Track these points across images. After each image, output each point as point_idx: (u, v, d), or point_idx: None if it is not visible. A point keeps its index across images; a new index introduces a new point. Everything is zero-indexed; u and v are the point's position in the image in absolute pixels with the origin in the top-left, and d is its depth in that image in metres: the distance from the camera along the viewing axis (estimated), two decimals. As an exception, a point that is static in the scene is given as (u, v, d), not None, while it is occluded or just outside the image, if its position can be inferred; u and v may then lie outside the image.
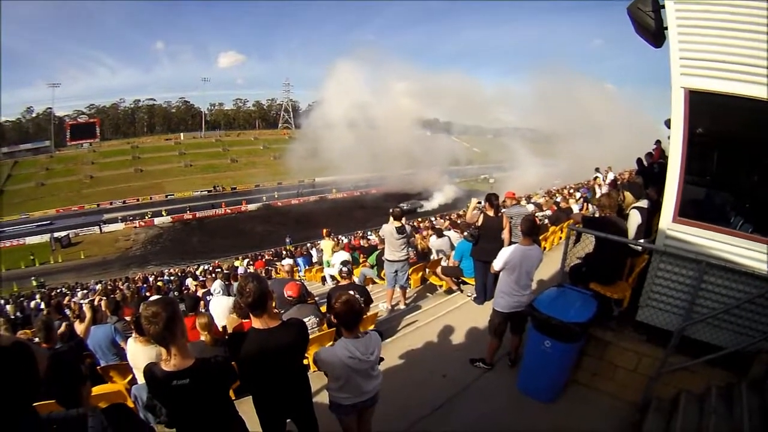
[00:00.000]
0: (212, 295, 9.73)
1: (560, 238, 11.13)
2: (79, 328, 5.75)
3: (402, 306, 8.45)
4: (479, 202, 7.74)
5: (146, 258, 45.27)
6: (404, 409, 4.71)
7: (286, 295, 5.58)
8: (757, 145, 4.53)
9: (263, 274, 14.99)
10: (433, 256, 10.39)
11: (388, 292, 8.34)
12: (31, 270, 40.91)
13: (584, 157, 44.60)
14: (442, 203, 58.78)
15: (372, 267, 11.57)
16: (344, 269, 6.77)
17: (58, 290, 25.74)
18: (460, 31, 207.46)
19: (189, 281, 20.13)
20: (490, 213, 7.16)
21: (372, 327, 6.38)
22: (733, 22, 3.66)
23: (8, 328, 6.98)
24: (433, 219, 28.84)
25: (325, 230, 13.66)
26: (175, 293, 16.90)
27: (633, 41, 5.04)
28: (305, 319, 4.44)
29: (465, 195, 54.46)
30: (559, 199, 15.70)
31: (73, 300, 17.02)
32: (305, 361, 3.65)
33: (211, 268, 25.94)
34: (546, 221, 11.62)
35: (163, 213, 57.72)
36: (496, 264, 5.12)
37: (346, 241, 25.20)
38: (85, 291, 22.43)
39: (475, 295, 7.71)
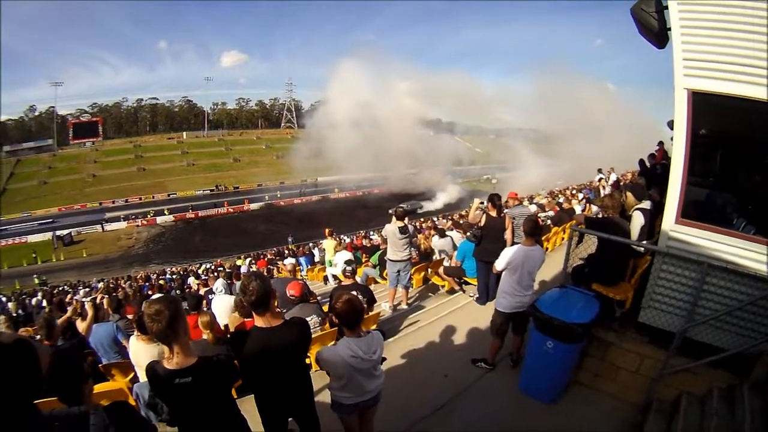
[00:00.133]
0: (214, 293, 9.75)
1: (563, 238, 11.12)
2: (81, 326, 5.74)
3: (404, 306, 8.44)
4: (482, 203, 7.74)
5: (148, 257, 45.41)
6: (406, 408, 4.71)
7: (288, 295, 5.58)
8: (760, 147, 4.52)
9: (265, 274, 15.01)
10: (436, 256, 10.40)
11: (390, 291, 8.35)
12: (34, 268, 41.03)
13: (586, 158, 44.71)
14: (447, 203, 58.80)
15: (374, 267, 11.57)
16: (348, 268, 6.77)
17: (60, 288, 25.75)
18: (460, 31, 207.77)
19: (191, 280, 20.11)
20: (493, 213, 7.16)
21: (374, 327, 6.38)
22: (737, 23, 3.65)
23: (10, 325, 7.01)
24: (435, 219, 28.84)
25: (327, 230, 13.69)
26: (177, 292, 16.91)
27: (635, 42, 5.04)
28: (308, 319, 4.45)
29: (468, 195, 54.38)
30: (561, 200, 15.68)
31: (75, 298, 17.05)
32: (307, 361, 3.66)
33: (213, 267, 25.96)
34: (548, 222, 11.61)
35: (166, 212, 57.80)
36: (498, 264, 5.13)
37: (348, 240, 25.22)
38: (87, 289, 22.44)
39: (477, 296, 7.70)
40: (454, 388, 5.13)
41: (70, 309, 6.23)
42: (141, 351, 4.65)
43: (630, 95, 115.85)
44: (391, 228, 7.82)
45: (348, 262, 7.14)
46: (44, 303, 18.06)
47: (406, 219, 8.05)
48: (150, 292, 16.65)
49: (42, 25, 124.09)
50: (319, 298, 7.41)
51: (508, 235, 7.06)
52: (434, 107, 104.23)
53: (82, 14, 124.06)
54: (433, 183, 66.21)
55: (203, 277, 18.62)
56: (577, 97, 78.09)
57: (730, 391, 3.82)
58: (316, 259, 19.51)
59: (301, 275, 16.23)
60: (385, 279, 9.46)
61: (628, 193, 5.74)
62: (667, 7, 4.06)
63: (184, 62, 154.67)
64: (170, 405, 2.74)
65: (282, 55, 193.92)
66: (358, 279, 7.70)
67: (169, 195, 67.55)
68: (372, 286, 8.75)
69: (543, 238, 9.76)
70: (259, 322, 2.99)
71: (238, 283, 10.25)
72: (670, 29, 4.09)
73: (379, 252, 12.00)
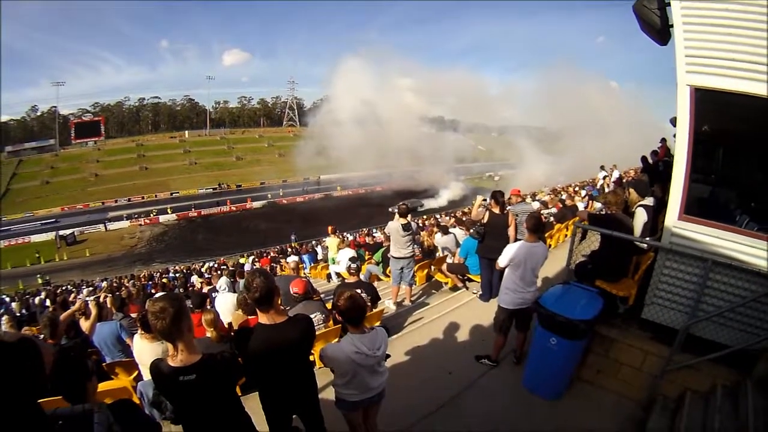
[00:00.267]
0: (218, 291, 9.77)
1: (566, 235, 11.13)
2: (84, 324, 5.78)
3: (407, 303, 8.46)
4: (484, 200, 7.74)
5: (151, 255, 45.52)
6: (410, 405, 4.72)
7: (292, 292, 5.59)
8: (762, 144, 4.51)
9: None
10: (439, 254, 10.39)
11: (394, 289, 8.36)
12: (37, 268, 41.13)
13: (589, 155, 44.55)
14: (451, 200, 58.82)
15: (377, 264, 11.58)
16: (353, 266, 6.77)
17: (64, 288, 25.80)
18: (464, 30, 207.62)
19: (194, 278, 20.17)
20: (496, 210, 7.16)
21: (378, 324, 6.40)
22: (739, 19, 3.64)
23: (13, 325, 7.04)
24: (438, 216, 28.83)
25: (330, 227, 13.65)
26: (181, 290, 16.95)
27: (638, 38, 5.04)
28: (311, 316, 4.47)
29: (471, 192, 54.39)
30: (564, 197, 15.67)
31: (79, 297, 17.09)
32: (311, 358, 3.67)
33: (216, 266, 26.01)
34: (551, 219, 11.61)
35: (169, 211, 57.92)
36: (501, 260, 5.13)
37: (351, 238, 25.21)
38: (90, 288, 22.49)
39: (480, 293, 7.71)
40: (457, 385, 5.14)
41: (74, 306, 6.27)
42: (145, 349, 4.66)
43: (633, 92, 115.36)
44: (395, 225, 7.82)
45: (352, 260, 7.15)
46: (47, 302, 18.13)
47: (409, 216, 8.05)
48: (153, 291, 16.73)
49: (43, 24, 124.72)
50: (322, 295, 7.44)
51: (511, 231, 7.06)
52: (437, 105, 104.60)
53: (84, 14, 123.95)
54: (436, 180, 66.15)
55: (206, 276, 18.68)
56: (579, 95, 78.13)
57: (734, 388, 3.83)
58: (319, 256, 19.56)
59: (304, 273, 16.27)
60: (389, 276, 9.46)
61: (631, 190, 5.74)
62: (669, 4, 4.05)
63: (185, 61, 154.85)
64: (174, 403, 2.74)
65: (284, 54, 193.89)
66: (361, 276, 7.72)
67: (171, 194, 67.74)
68: (375, 284, 8.74)
69: (546, 235, 9.75)
70: (263, 319, 3.00)
71: (241, 281, 10.28)
72: (672, 26, 4.09)
73: (382, 249, 12.00)
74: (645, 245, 4.97)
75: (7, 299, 22.63)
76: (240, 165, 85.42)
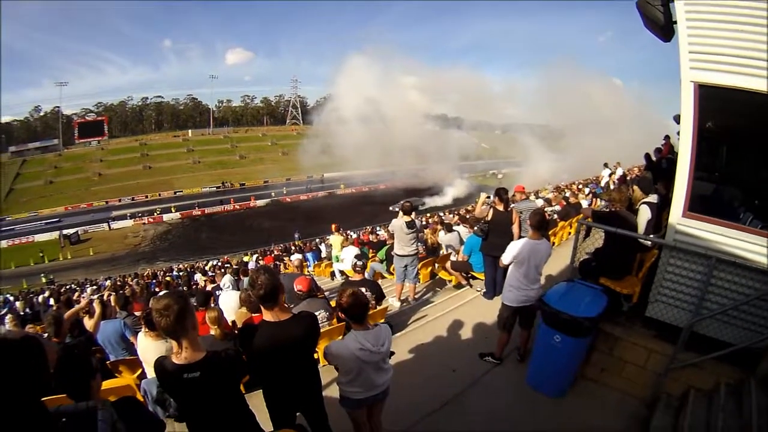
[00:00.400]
0: (222, 289, 9.79)
1: (569, 233, 11.12)
2: (88, 323, 5.80)
3: (411, 301, 8.47)
4: (488, 197, 7.74)
5: (155, 254, 45.56)
6: (413, 403, 4.73)
7: (296, 290, 5.60)
8: (765, 141, 4.50)
9: (272, 269, 14.97)
10: (443, 251, 10.39)
11: (398, 286, 8.37)
12: (41, 267, 41.24)
13: (592, 153, 44.45)
14: (456, 197, 58.77)
15: (381, 262, 11.59)
16: (359, 263, 6.78)
17: (68, 287, 25.91)
18: (466, 28, 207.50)
19: (198, 276, 20.21)
20: (500, 207, 7.16)
21: (382, 321, 6.41)
22: (743, 15, 3.62)
23: (17, 324, 7.07)
24: (442, 214, 28.81)
25: (334, 225, 13.68)
26: (184, 288, 16.98)
27: (641, 35, 5.03)
28: (315, 313, 4.47)
29: (476, 190, 54.29)
30: (568, 195, 15.65)
31: (83, 296, 17.17)
32: (315, 355, 3.67)
33: (220, 264, 26.05)
34: (555, 216, 11.60)
35: (172, 209, 58.03)
36: (505, 258, 5.14)
37: (355, 236, 25.23)
38: (94, 287, 22.57)
39: (484, 290, 7.72)
40: (461, 382, 5.15)
41: (79, 305, 6.30)
42: (149, 347, 4.67)
43: (636, 90, 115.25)
44: (398, 223, 7.82)
45: (358, 257, 7.16)
46: (51, 301, 18.21)
47: (413, 214, 8.05)
48: (157, 289, 16.74)
49: (45, 25, 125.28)
50: (326, 293, 7.44)
51: (515, 229, 7.05)
52: (441, 103, 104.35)
53: (84, 14, 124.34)
54: (440, 178, 66.09)
55: (210, 274, 18.71)
56: (583, 92, 77.75)
57: (738, 386, 3.82)
58: (323, 254, 19.55)
59: (308, 271, 16.29)
60: (393, 274, 9.46)
61: (635, 187, 5.73)
62: (672, 0, 4.04)
63: (188, 60, 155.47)
64: (178, 400, 2.75)
65: (287, 53, 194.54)
66: (365, 274, 7.72)
67: (175, 192, 67.88)
68: (379, 281, 8.75)
69: (550, 232, 9.75)
70: (267, 316, 3.00)
71: (245, 279, 10.32)
72: (675, 22, 4.07)
73: (386, 247, 12.00)
74: (649, 242, 4.97)
75: (11, 298, 22.77)
76: (243, 164, 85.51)
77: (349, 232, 29.09)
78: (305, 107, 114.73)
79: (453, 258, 9.17)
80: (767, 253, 3.78)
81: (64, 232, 50.04)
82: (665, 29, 4.30)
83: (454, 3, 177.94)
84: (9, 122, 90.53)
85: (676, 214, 4.29)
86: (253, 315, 5.22)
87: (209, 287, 11.94)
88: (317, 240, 30.61)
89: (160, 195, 66.70)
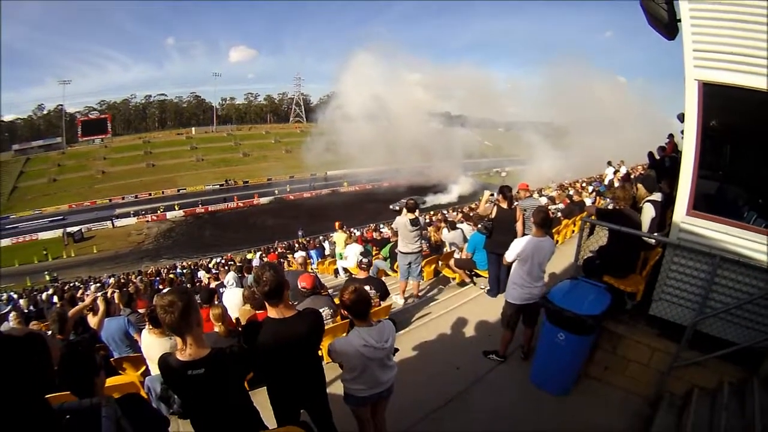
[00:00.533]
0: (225, 287, 9.82)
1: (573, 231, 11.12)
2: (92, 320, 5.83)
3: (415, 298, 8.48)
4: (492, 194, 7.74)
5: (159, 252, 45.65)
6: (417, 400, 4.74)
7: (300, 287, 5.61)
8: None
9: (276, 267, 15.00)
10: (446, 249, 10.40)
11: (401, 284, 8.39)
12: (44, 265, 41.27)
13: (596, 151, 44.36)
14: (461, 195, 58.78)
15: (385, 259, 11.60)
16: (364, 260, 6.79)
17: (71, 284, 25.97)
18: (470, 26, 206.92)
19: (201, 274, 20.25)
20: (504, 205, 7.15)
21: (386, 317, 6.42)
22: (747, 13, 3.62)
23: (21, 321, 7.11)
24: (445, 212, 28.78)
25: (337, 223, 13.67)
26: (188, 285, 17.02)
27: (645, 34, 5.02)
28: (320, 310, 4.49)
29: (480, 188, 54.29)
30: (571, 193, 15.63)
31: (86, 294, 17.24)
32: (319, 353, 3.68)
33: (224, 261, 26.08)
34: (559, 214, 11.59)
35: (176, 207, 58.17)
36: (509, 255, 5.14)
37: (358, 233, 25.23)
38: (98, 285, 22.63)
39: (488, 288, 7.72)
40: (465, 380, 5.15)
41: (84, 302, 6.32)
42: (153, 344, 4.68)
43: (640, 88, 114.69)
44: (402, 220, 7.84)
45: (364, 254, 7.16)
46: (55, 298, 18.29)
47: (417, 211, 8.06)
48: (161, 287, 16.81)
49: (48, 23, 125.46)
50: (330, 290, 7.45)
51: (518, 226, 7.05)
52: (445, 100, 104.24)
53: (89, 12, 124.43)
54: (444, 176, 66.04)
55: (214, 271, 18.75)
56: (586, 90, 77.51)
57: (741, 385, 3.82)
58: (327, 252, 19.56)
59: (311, 268, 16.31)
60: (396, 271, 9.48)
61: (639, 185, 5.72)
62: (677, -2, 4.04)
63: (192, 58, 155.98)
64: (183, 397, 2.74)
65: (290, 50, 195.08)
66: (369, 272, 7.74)
67: (178, 190, 68.18)
68: (383, 279, 8.77)
69: (553, 230, 9.74)
70: (272, 313, 3.00)
71: (249, 276, 10.34)
72: (680, 20, 4.06)
73: (390, 244, 12.03)
74: (653, 241, 4.96)
75: (15, 296, 22.83)
76: (247, 161, 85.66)
77: (352, 229, 29.15)
78: (309, 105, 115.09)
79: (457, 255, 9.17)
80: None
81: (68, 229, 50.27)
82: (669, 27, 4.29)
83: (457, 2, 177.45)
84: (12, 120, 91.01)
85: (680, 213, 4.28)
86: (256, 312, 5.24)
87: (213, 284, 11.99)
88: (321, 237, 30.65)
89: (163, 193, 67.00)
